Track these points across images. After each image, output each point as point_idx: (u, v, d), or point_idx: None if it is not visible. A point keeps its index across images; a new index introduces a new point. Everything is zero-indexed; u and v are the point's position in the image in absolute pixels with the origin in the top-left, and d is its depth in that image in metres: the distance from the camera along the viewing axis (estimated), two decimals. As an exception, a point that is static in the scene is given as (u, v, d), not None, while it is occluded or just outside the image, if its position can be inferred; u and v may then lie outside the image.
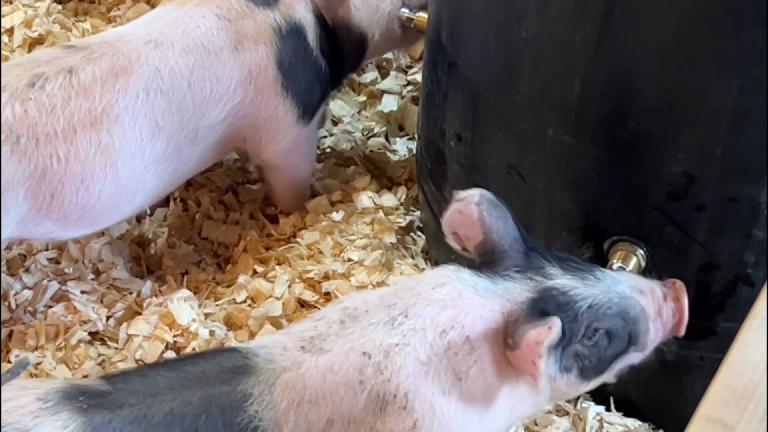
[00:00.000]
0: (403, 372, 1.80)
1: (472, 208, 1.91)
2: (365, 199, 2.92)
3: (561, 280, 1.88)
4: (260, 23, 2.67)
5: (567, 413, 2.45)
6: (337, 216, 2.87)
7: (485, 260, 1.91)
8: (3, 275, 2.74)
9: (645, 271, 2.16)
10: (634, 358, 1.98)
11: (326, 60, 2.80)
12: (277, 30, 2.68)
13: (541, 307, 1.83)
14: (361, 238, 2.80)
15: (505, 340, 1.82)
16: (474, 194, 1.92)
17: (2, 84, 2.36)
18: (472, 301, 1.85)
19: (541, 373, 1.75)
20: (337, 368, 1.81)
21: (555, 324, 1.74)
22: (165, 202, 3.01)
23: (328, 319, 1.89)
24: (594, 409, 2.45)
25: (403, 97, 3.42)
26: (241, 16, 2.66)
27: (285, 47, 2.69)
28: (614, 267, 2.13)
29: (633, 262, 2.16)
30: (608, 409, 2.46)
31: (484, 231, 1.90)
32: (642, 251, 2.17)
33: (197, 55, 2.57)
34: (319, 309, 2.61)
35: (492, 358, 1.83)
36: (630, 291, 1.92)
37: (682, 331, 1.98)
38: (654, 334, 1.96)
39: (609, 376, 1.99)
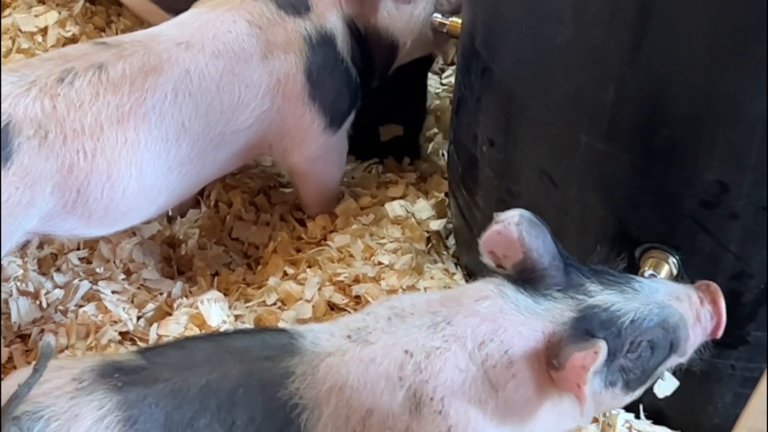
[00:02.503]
0: (442, 375, 1.83)
1: (511, 229, 1.92)
2: (398, 207, 2.94)
3: (601, 296, 1.89)
4: (291, 32, 2.68)
5: (596, 420, 2.45)
6: (367, 219, 2.89)
7: (525, 277, 1.93)
8: (35, 274, 2.77)
9: (676, 279, 2.17)
10: (673, 362, 1.99)
11: (357, 68, 2.81)
12: (307, 39, 2.69)
13: (585, 326, 1.85)
14: (391, 242, 2.82)
15: (548, 360, 1.84)
16: (513, 215, 1.93)
17: (33, 78, 2.37)
18: (512, 317, 1.87)
19: (586, 397, 1.77)
20: (379, 360, 1.84)
21: (601, 348, 1.76)
22: (196, 203, 3.03)
23: (376, 314, 1.93)
24: (623, 417, 2.45)
25: (439, 99, 3.43)
26: (272, 24, 2.67)
27: (314, 57, 2.70)
28: (646, 275, 2.14)
29: (665, 270, 2.16)
30: (638, 417, 2.47)
31: (524, 250, 1.91)
32: (674, 259, 2.17)
33: (227, 60, 2.59)
34: (349, 312, 2.64)
35: (531, 374, 1.85)
36: (668, 299, 1.94)
37: (720, 333, 1.99)
38: (694, 339, 1.97)
39: (650, 384, 2.01)
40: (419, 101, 3.31)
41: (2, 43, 3.59)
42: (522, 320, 1.86)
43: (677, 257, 2.17)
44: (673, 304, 1.94)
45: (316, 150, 2.83)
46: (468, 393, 1.83)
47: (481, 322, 1.86)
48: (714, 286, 1.99)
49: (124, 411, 1.74)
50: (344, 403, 1.82)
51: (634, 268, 2.18)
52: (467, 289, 2.00)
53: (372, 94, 2.96)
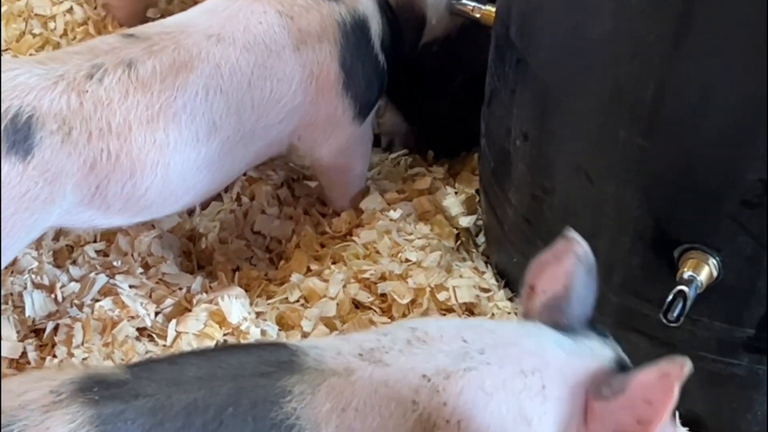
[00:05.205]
0: (462, 398, 1.76)
1: (571, 259, 1.87)
2: (426, 203, 2.95)
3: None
4: (326, 17, 2.69)
5: (630, 427, 2.46)
6: (394, 214, 2.91)
7: (552, 320, 1.88)
8: (50, 266, 2.80)
9: (716, 281, 2.18)
10: None
11: (385, 55, 2.83)
12: (341, 25, 2.70)
13: (626, 366, 1.82)
14: (419, 239, 2.83)
15: (596, 392, 1.78)
16: (581, 245, 1.88)
17: (61, 72, 2.38)
18: (555, 356, 1.82)
19: (672, 404, 1.70)
20: (392, 383, 1.78)
21: (687, 360, 1.71)
22: (217, 195, 3.05)
23: (394, 335, 1.86)
24: (659, 424, 2.47)
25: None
26: (305, 10, 2.67)
27: (348, 44, 2.71)
28: (685, 276, 2.14)
29: (705, 272, 2.16)
30: (674, 424, 2.48)
31: (567, 286, 1.87)
32: (714, 260, 2.17)
33: (258, 54, 2.59)
34: (374, 310, 2.66)
35: (562, 416, 1.79)
36: None
37: None
38: None
39: None
40: None
41: (15, 25, 3.62)
42: (566, 359, 1.81)
43: (718, 258, 2.17)
44: None
45: (343, 142, 2.85)
46: (489, 419, 1.76)
47: (522, 354, 1.80)
48: None
49: (97, 426, 1.70)
50: (346, 426, 1.76)
51: (672, 270, 2.19)
52: (504, 324, 1.97)
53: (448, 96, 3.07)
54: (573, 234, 1.90)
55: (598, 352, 1.84)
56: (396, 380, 1.78)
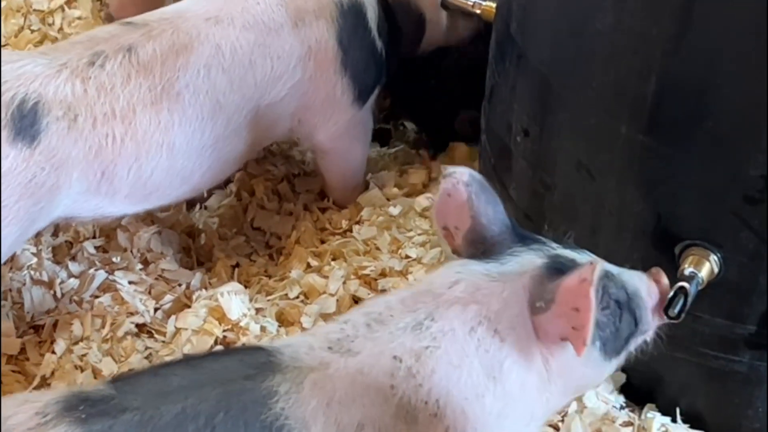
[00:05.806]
0: (435, 376, 1.81)
1: (460, 189, 1.91)
2: (425, 199, 2.95)
3: (563, 251, 1.91)
4: None
5: (631, 423, 2.46)
6: (394, 210, 2.91)
7: (479, 250, 1.92)
8: (49, 262, 2.80)
9: (717, 278, 2.18)
10: (638, 340, 2.00)
11: (383, 42, 2.84)
12: (338, 5, 2.74)
13: (558, 268, 1.84)
14: (419, 235, 2.83)
15: (533, 307, 1.83)
16: (463, 173, 1.93)
17: (64, 61, 2.41)
18: (490, 289, 1.86)
19: (592, 311, 1.72)
20: (367, 371, 1.82)
21: (598, 261, 1.76)
22: (217, 191, 3.06)
23: (354, 322, 1.90)
24: (659, 420, 2.46)
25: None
26: None
27: (345, 24, 2.74)
28: (686, 272, 2.14)
29: (706, 268, 2.16)
30: (674, 420, 2.48)
31: (472, 215, 1.92)
32: (716, 257, 2.17)
33: (258, 32, 2.62)
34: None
35: (521, 347, 1.85)
36: (618, 268, 1.96)
37: (668, 312, 2.03)
38: (651, 312, 1.99)
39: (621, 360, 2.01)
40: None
41: (14, 20, 3.63)
42: (501, 287, 1.86)
43: (719, 255, 2.17)
44: (625, 273, 1.96)
45: (342, 126, 2.87)
46: (464, 389, 1.82)
47: (464, 308, 1.85)
48: (656, 268, 2.04)
49: None
50: (333, 421, 1.79)
51: (673, 266, 2.18)
52: (434, 278, 1.97)
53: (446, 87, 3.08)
54: (449, 169, 1.95)
55: (526, 264, 1.87)
56: (370, 366, 1.82)
